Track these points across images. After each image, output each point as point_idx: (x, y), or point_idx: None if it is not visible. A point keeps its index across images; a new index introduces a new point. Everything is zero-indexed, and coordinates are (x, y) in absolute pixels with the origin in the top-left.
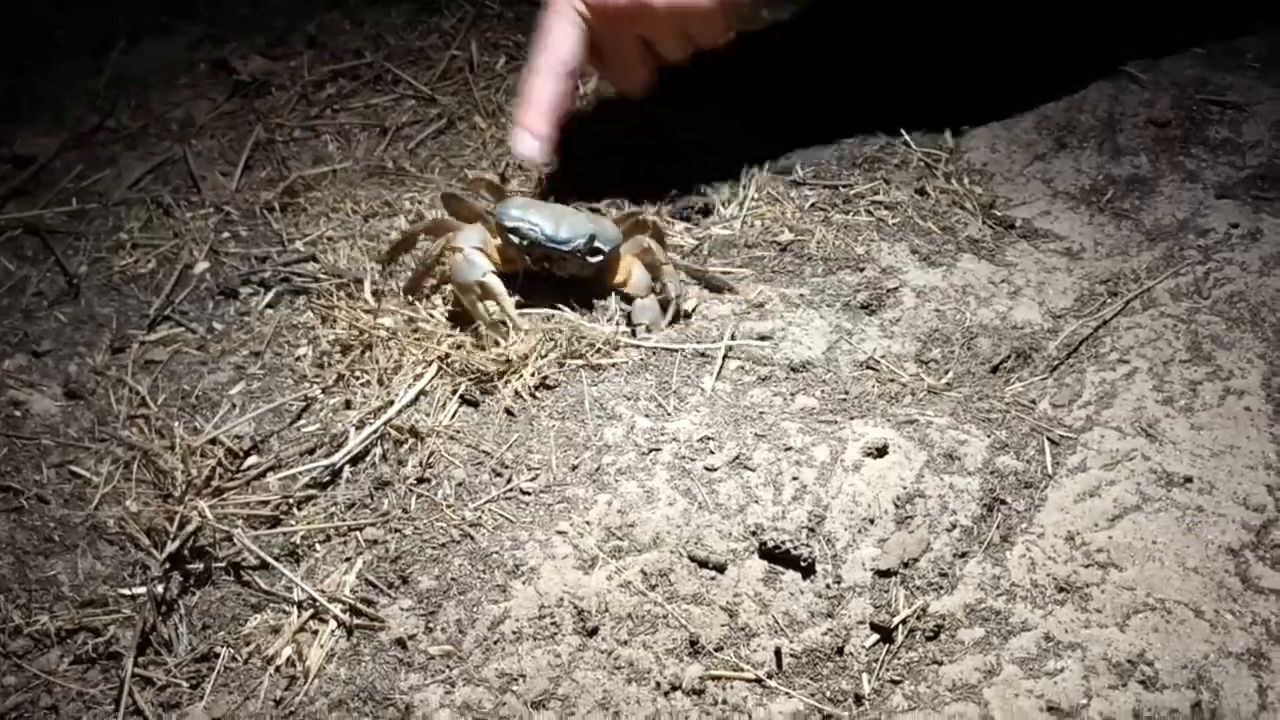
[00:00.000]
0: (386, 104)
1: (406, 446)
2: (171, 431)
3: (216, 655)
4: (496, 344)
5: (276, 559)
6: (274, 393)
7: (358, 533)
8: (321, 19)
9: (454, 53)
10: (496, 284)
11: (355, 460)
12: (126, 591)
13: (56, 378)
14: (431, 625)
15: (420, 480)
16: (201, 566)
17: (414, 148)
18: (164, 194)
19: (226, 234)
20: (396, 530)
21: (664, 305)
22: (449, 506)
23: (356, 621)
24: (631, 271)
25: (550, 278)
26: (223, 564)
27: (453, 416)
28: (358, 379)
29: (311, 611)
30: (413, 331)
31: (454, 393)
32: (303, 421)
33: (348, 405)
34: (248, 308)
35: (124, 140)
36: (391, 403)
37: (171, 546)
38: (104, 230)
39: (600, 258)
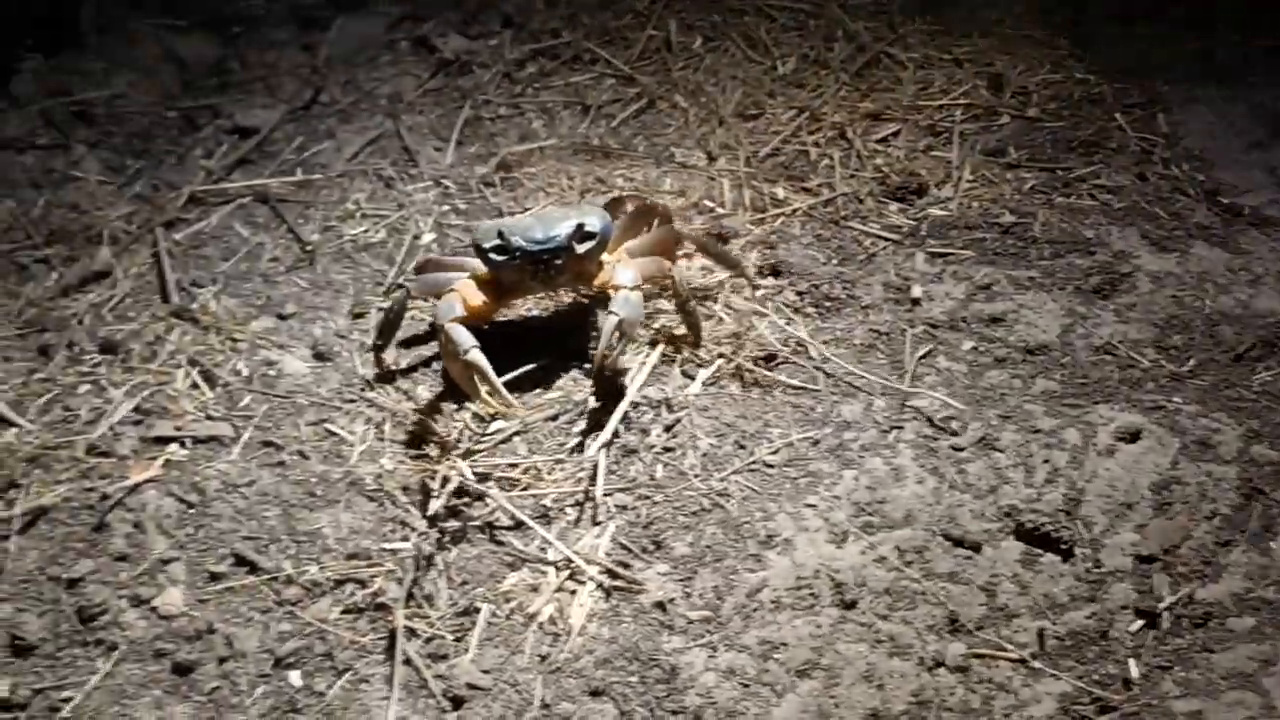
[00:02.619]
0: (587, 82)
1: (649, 416)
2: (418, 394)
3: (477, 610)
4: (492, 418)
5: (530, 520)
6: (512, 360)
7: (607, 498)
8: None
9: (650, 32)
10: (481, 361)
11: (600, 428)
12: (388, 546)
13: (304, 340)
14: (689, 590)
15: (666, 450)
16: (458, 524)
17: (616, 126)
18: (385, 167)
19: (447, 207)
20: (646, 497)
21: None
22: (696, 476)
23: (614, 583)
24: (614, 267)
25: (551, 288)
26: (477, 523)
27: (690, 390)
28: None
29: (568, 572)
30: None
31: (677, 365)
32: (542, 388)
33: (587, 375)
34: None
35: (337, 114)
36: (629, 368)
37: (436, 504)
38: (331, 200)
39: (593, 243)
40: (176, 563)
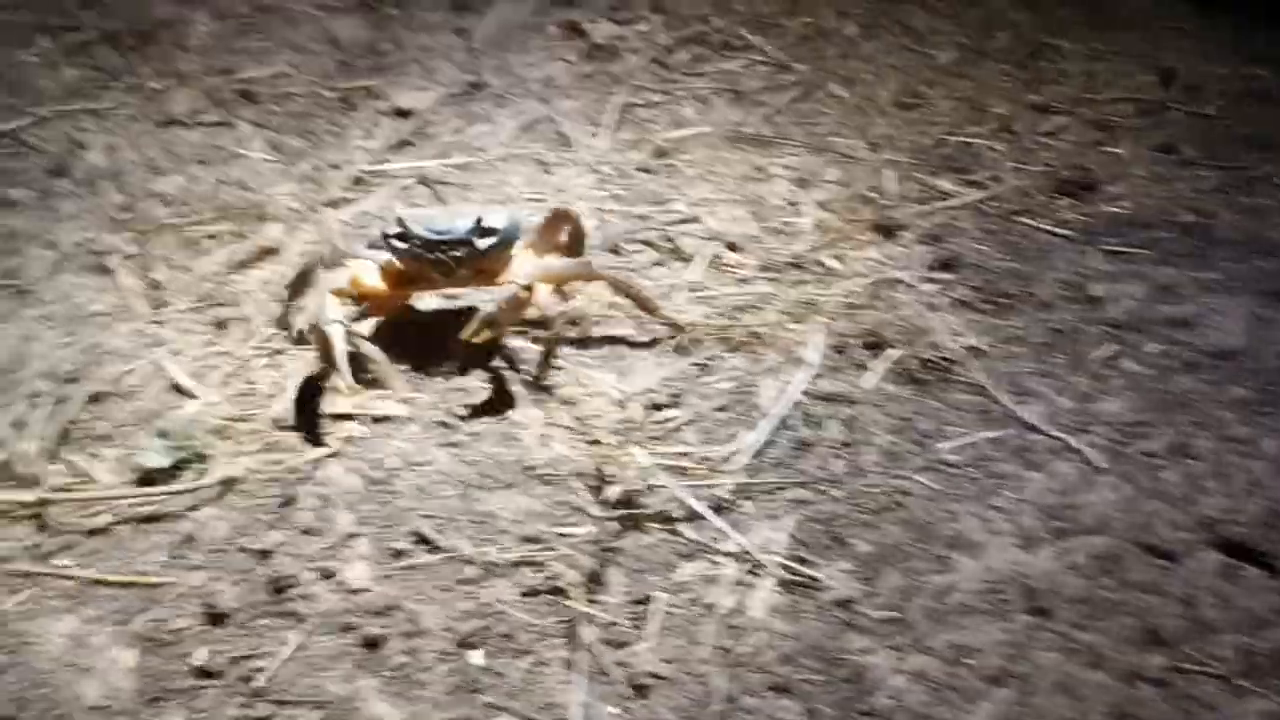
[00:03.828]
0: (739, 69)
1: (824, 410)
2: (592, 380)
3: (653, 599)
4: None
5: (706, 511)
6: (680, 349)
7: (783, 492)
8: None
9: (804, 19)
10: (335, 335)
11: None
12: (562, 530)
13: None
14: (872, 590)
15: (843, 445)
16: (634, 512)
17: (771, 114)
18: (541, 151)
19: (604, 192)
20: (823, 493)
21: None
22: (875, 473)
23: (794, 579)
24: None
25: (453, 283)
26: (651, 511)
27: (865, 385)
28: (758, 339)
29: (746, 565)
30: (799, 299)
31: (841, 354)
32: (711, 378)
33: (755, 363)
34: (633, 265)
35: (492, 98)
36: (801, 360)
37: (615, 490)
38: (489, 183)
39: (494, 239)
40: (361, 538)
